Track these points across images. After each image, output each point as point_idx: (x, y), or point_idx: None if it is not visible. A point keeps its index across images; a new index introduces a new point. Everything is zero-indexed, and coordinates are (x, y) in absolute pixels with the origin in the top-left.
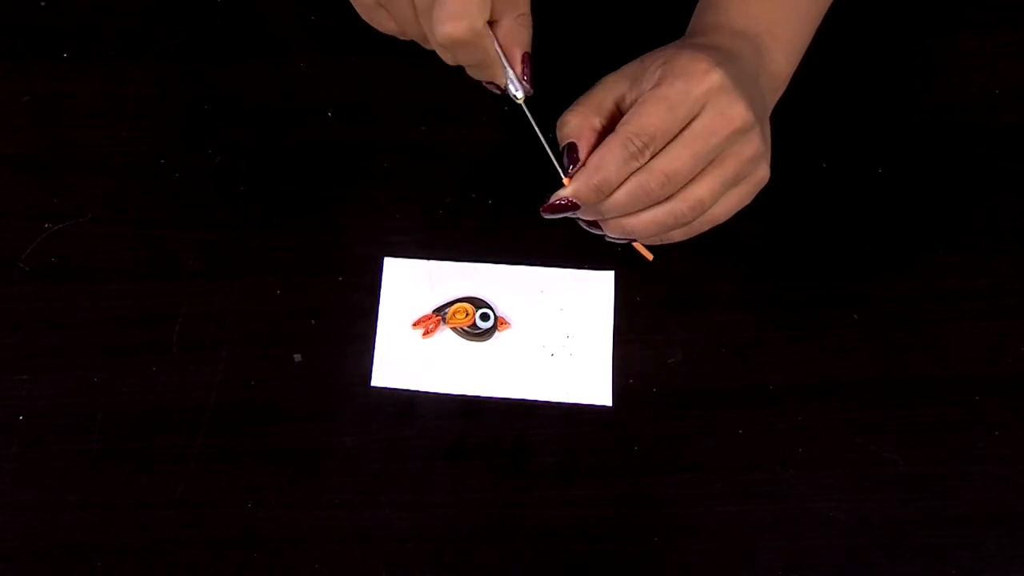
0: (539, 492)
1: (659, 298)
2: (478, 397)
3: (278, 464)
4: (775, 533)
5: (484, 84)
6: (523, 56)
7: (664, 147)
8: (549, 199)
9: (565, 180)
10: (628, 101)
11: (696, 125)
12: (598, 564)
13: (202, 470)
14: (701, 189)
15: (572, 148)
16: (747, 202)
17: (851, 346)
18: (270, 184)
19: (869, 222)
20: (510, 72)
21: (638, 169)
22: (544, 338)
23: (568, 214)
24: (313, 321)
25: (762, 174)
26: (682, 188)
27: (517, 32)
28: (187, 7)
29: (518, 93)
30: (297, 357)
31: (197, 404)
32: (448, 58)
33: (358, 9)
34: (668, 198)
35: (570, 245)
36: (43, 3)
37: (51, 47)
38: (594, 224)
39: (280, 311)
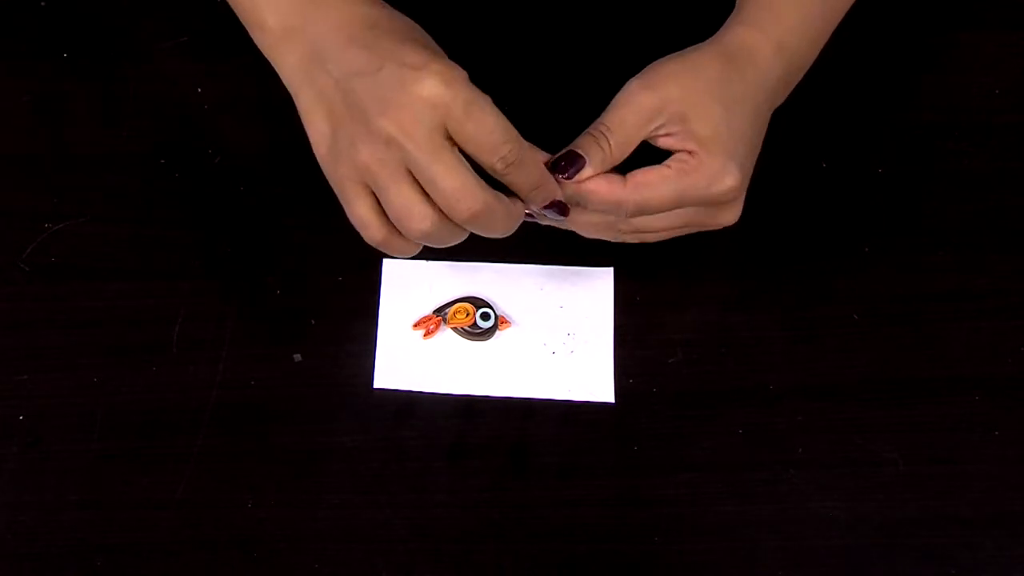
0: (539, 492)
1: (659, 298)
2: (480, 397)
3: (278, 464)
4: (775, 533)
5: (547, 217)
6: None
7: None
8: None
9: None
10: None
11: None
12: (598, 564)
13: (202, 470)
14: (660, 222)
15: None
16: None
17: (851, 346)
18: (270, 184)
19: (869, 222)
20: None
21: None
22: (545, 336)
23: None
24: (313, 321)
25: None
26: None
27: None
28: (187, 7)
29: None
30: (297, 357)
31: (197, 404)
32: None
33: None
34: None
35: (569, 243)
36: (43, 3)
37: (51, 47)
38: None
39: (280, 311)
